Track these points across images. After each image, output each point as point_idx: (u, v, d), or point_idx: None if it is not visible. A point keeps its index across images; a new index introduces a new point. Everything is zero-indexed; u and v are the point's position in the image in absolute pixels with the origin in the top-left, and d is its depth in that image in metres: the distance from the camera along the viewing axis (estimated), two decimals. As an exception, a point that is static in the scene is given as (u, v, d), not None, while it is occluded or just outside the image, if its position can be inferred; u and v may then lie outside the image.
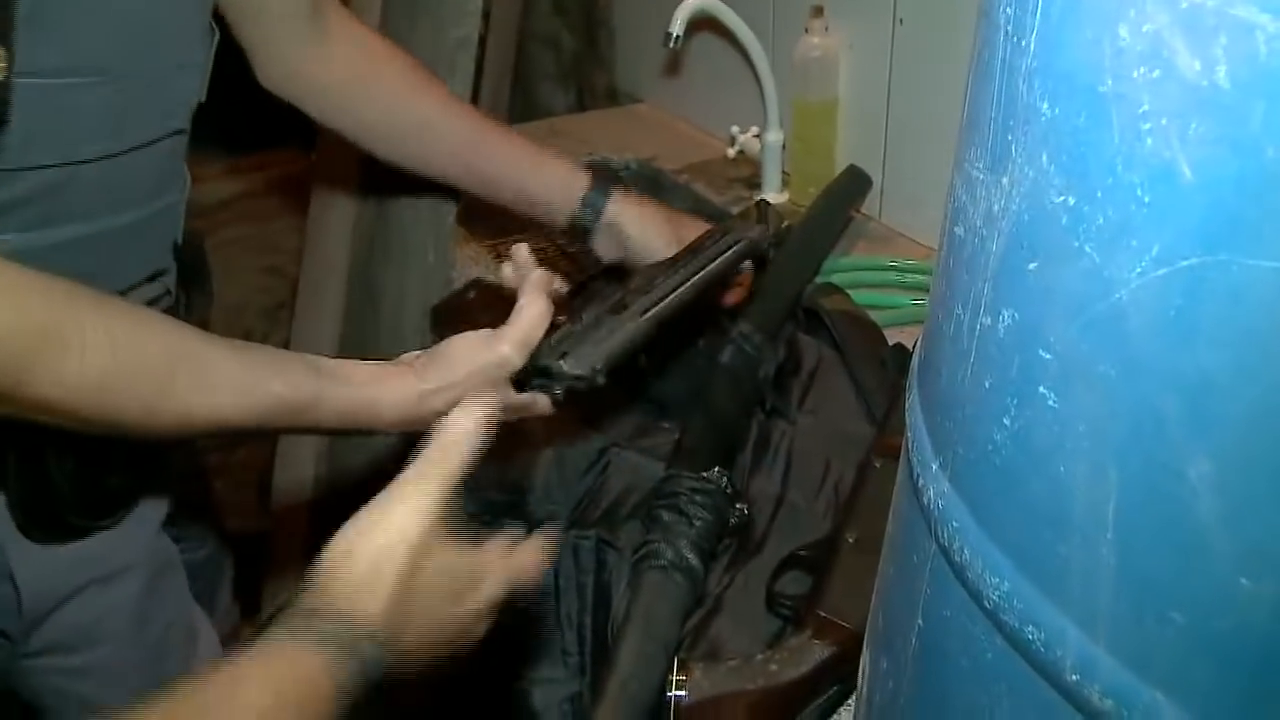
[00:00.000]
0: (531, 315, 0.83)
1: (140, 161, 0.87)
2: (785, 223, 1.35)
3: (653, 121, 2.11)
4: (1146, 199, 0.32)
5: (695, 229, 1.12)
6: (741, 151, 1.73)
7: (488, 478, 1.02)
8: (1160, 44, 0.31)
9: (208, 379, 0.69)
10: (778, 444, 1.05)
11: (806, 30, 1.58)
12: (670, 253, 1.05)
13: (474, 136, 1.10)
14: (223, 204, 2.51)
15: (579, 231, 1.14)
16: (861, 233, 1.57)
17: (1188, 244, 0.31)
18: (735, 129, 1.73)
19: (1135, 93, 0.32)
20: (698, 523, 0.90)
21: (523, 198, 1.13)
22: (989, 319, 0.40)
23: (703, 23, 1.76)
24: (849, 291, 1.27)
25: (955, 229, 0.44)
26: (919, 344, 0.54)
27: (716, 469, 0.93)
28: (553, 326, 0.84)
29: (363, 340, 1.53)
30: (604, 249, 1.15)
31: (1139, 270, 0.33)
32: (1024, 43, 0.37)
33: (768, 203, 1.38)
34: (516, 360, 0.82)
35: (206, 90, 0.93)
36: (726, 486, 0.93)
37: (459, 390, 0.79)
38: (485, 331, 0.83)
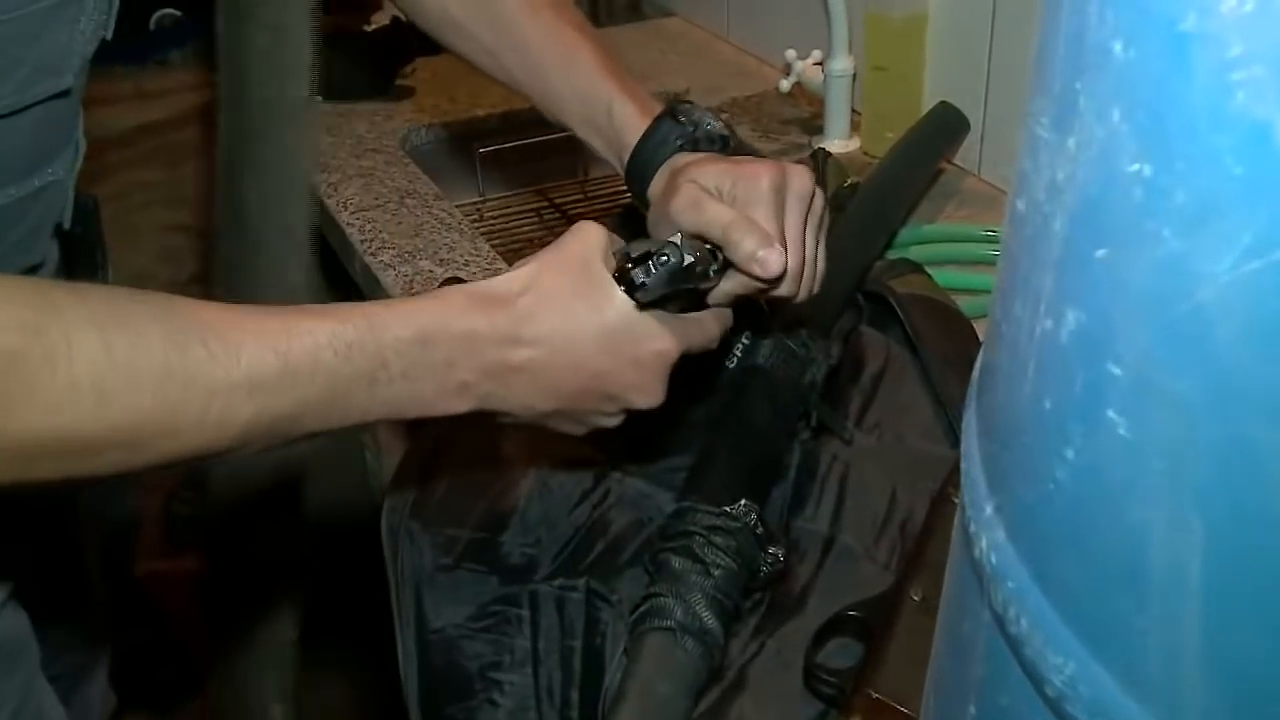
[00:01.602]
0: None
1: (2, 136, 0.88)
2: (850, 179, 1.36)
3: (686, 42, 2.11)
4: (1237, 171, 0.32)
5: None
6: (799, 83, 1.74)
7: (450, 511, 1.03)
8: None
9: (228, 343, 0.70)
10: (828, 471, 1.06)
11: (886, -76, 1.59)
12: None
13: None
14: (122, 139, 2.51)
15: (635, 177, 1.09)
16: (953, 191, 1.57)
17: (1288, 230, 0.31)
18: (791, 54, 1.74)
19: (1224, 32, 0.32)
20: (716, 572, 0.90)
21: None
22: (1050, 321, 0.40)
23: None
24: (930, 270, 1.27)
25: (1017, 202, 0.44)
26: (982, 347, 0.54)
27: (744, 502, 0.94)
28: None
29: (233, 264, 1.54)
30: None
31: (1228, 263, 0.33)
32: (1098, -37, 0.37)
33: (828, 153, 1.40)
34: (603, 231, 0.87)
35: (114, 25, 0.93)
36: (756, 525, 0.93)
37: (542, 280, 0.84)
38: None
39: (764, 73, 1.94)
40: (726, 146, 1.06)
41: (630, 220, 1.29)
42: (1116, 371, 0.37)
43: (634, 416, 0.90)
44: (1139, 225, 0.36)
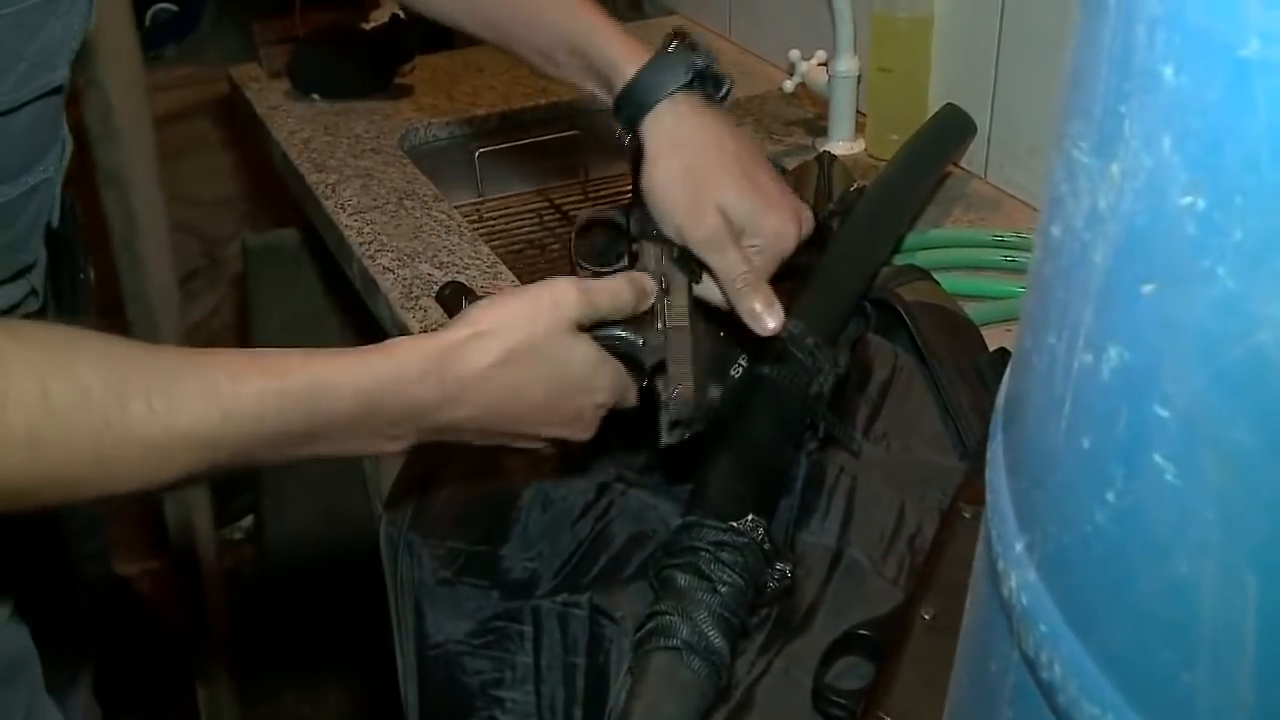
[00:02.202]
0: (613, 282, 0.91)
1: None
2: (856, 184, 1.35)
3: (688, 41, 2.09)
4: (1301, 208, 0.31)
5: (736, 182, 1.01)
6: (803, 84, 1.72)
7: (451, 523, 1.02)
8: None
9: (171, 397, 0.70)
10: (835, 483, 1.04)
11: (892, -77, 1.57)
12: (679, 221, 1.00)
13: None
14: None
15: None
16: (960, 194, 1.56)
17: (1356, 273, 0.30)
18: (795, 55, 1.72)
19: (1288, 59, 0.30)
20: (723, 588, 0.89)
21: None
22: (1090, 356, 0.38)
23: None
24: (938, 275, 1.26)
25: (1051, 228, 0.42)
26: (1007, 373, 0.52)
27: (750, 516, 0.93)
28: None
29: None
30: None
31: (1290, 305, 0.31)
32: (1146, -20, 0.35)
33: (833, 156, 1.38)
34: (578, 303, 0.87)
35: (94, 18, 0.92)
36: (763, 539, 0.92)
37: (503, 341, 0.84)
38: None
39: (767, 73, 1.93)
40: (728, 93, 1.07)
41: (631, 214, 1.25)
42: (1164, 414, 0.36)
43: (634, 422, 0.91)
44: (1192, 262, 0.34)
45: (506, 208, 1.86)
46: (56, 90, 0.90)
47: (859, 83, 1.68)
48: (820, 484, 1.04)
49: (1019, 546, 0.45)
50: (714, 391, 0.95)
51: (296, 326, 2.11)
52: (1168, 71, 0.34)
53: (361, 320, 1.67)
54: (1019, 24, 1.49)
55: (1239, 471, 0.34)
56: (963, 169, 1.59)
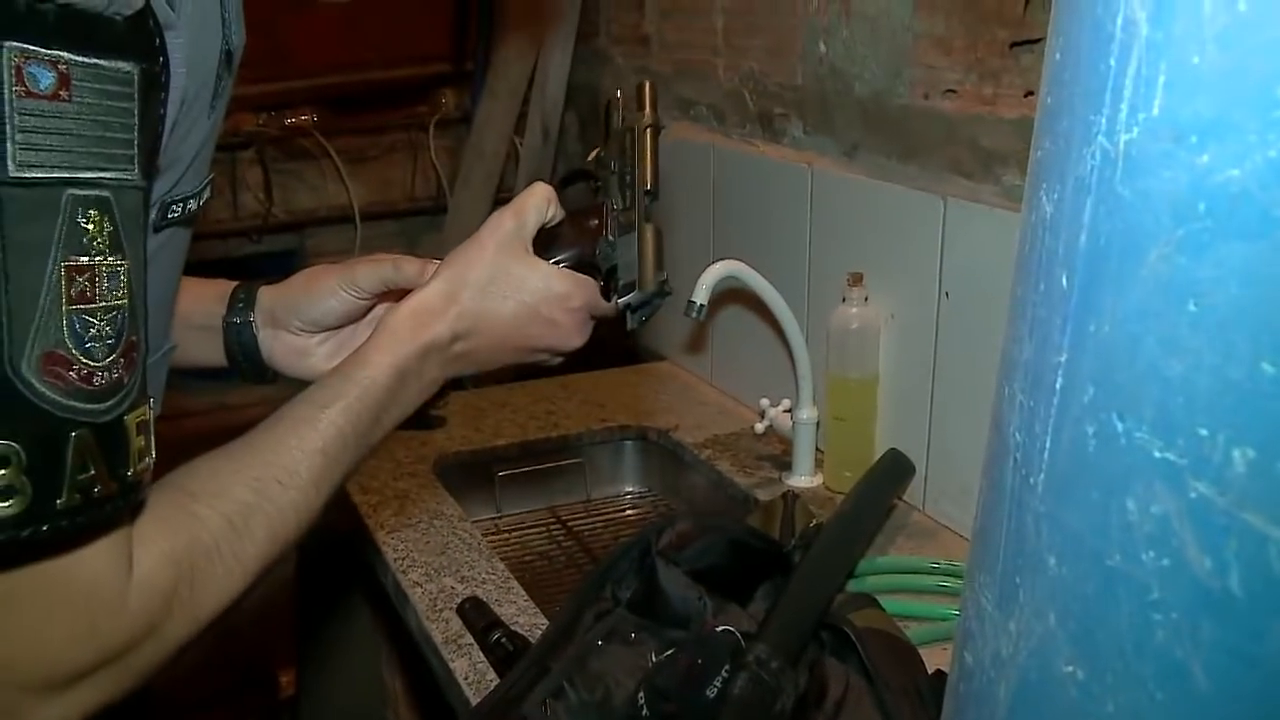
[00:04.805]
0: (531, 192, 1.02)
1: None
2: (815, 521, 1.36)
3: (676, 384, 2.14)
4: (1158, 696, 0.32)
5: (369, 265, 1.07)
6: (771, 427, 1.75)
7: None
8: (1169, 530, 0.31)
9: (285, 468, 0.83)
10: (796, 794, 1.02)
11: (844, 299, 1.62)
12: (344, 294, 1.06)
13: None
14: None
15: (235, 345, 1.08)
16: (903, 525, 1.57)
17: (1207, 759, 0.31)
18: (765, 402, 1.75)
19: (1144, 576, 0.32)
20: None
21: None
22: (999, 780, 0.39)
23: (731, 283, 1.79)
24: (884, 598, 1.26)
25: (965, 654, 0.43)
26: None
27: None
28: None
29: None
30: (282, 354, 1.09)
31: (1156, 773, 0.32)
32: (1033, 480, 0.37)
33: (796, 495, 1.40)
34: (517, 222, 0.99)
35: None
36: None
37: (469, 283, 0.97)
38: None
39: (742, 414, 1.96)
40: None
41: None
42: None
43: None
44: (1075, 721, 0.35)
45: (520, 522, 1.87)
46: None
47: (818, 427, 1.71)
48: (783, 794, 1.02)
49: None
50: (660, 276, 1.04)
51: (341, 622, 2.08)
52: (1052, 561, 0.36)
53: (393, 623, 1.66)
54: (948, 384, 1.53)
55: None
56: (905, 503, 1.61)
